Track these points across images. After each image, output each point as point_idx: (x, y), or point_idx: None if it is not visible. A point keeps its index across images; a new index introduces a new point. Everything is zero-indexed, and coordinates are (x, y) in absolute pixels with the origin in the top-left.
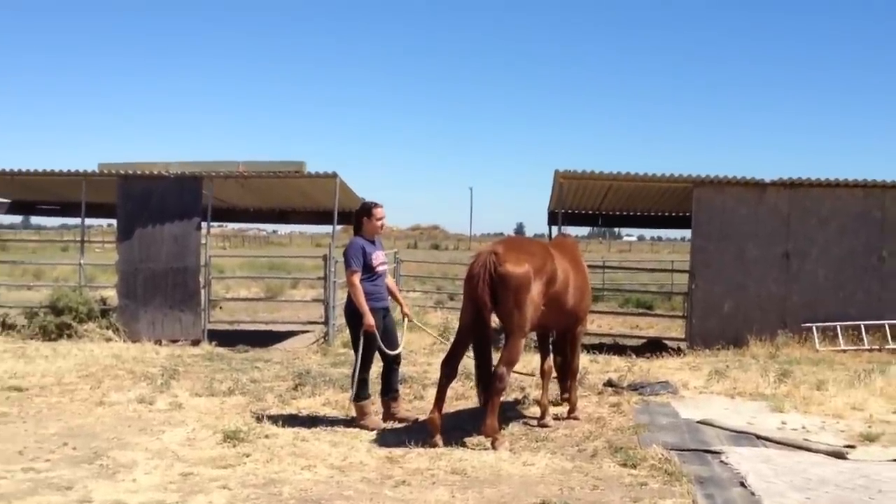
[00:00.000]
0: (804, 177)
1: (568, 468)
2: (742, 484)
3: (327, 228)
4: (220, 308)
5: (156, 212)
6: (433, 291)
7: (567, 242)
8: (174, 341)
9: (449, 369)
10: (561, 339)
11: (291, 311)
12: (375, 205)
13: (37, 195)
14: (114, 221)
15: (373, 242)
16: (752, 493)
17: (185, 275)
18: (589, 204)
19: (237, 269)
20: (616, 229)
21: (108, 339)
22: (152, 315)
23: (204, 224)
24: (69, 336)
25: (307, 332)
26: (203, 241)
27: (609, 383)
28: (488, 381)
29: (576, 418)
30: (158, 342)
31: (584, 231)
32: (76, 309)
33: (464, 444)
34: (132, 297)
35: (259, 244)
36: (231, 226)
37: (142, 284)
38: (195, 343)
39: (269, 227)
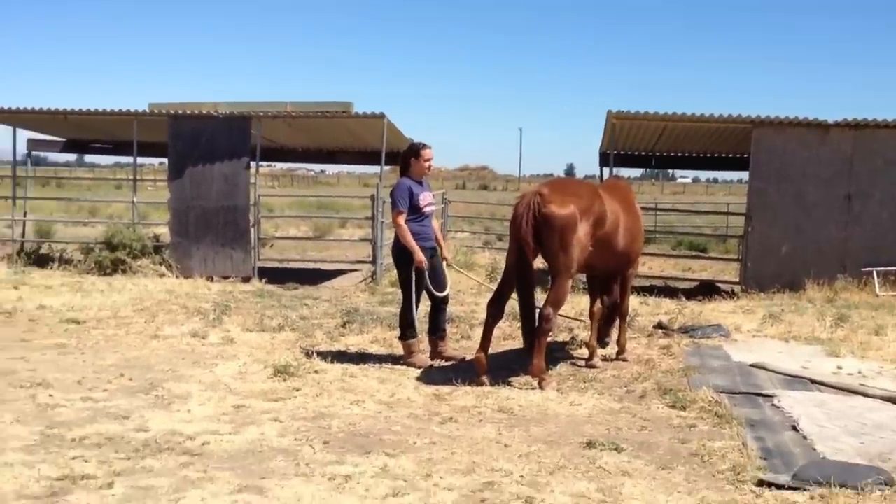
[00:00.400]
0: (869, 118)
1: (616, 409)
2: (794, 428)
3: (375, 169)
4: (271, 246)
5: (206, 151)
6: (481, 232)
7: (619, 184)
8: (225, 278)
9: (495, 309)
10: (610, 281)
11: (339, 250)
12: (423, 146)
13: (90, 134)
14: (165, 160)
15: (420, 183)
16: (805, 437)
17: (236, 213)
18: (642, 145)
19: (286, 209)
20: (670, 171)
21: (162, 275)
22: (204, 252)
23: (253, 163)
24: (123, 271)
25: (355, 270)
26: (252, 180)
27: (659, 325)
28: (531, 322)
29: (624, 360)
30: (210, 278)
31: (636, 172)
32: (130, 245)
33: (510, 384)
34: (184, 234)
35: (307, 184)
36: (280, 165)
37: (193, 222)
38: (246, 280)
39: (318, 166)
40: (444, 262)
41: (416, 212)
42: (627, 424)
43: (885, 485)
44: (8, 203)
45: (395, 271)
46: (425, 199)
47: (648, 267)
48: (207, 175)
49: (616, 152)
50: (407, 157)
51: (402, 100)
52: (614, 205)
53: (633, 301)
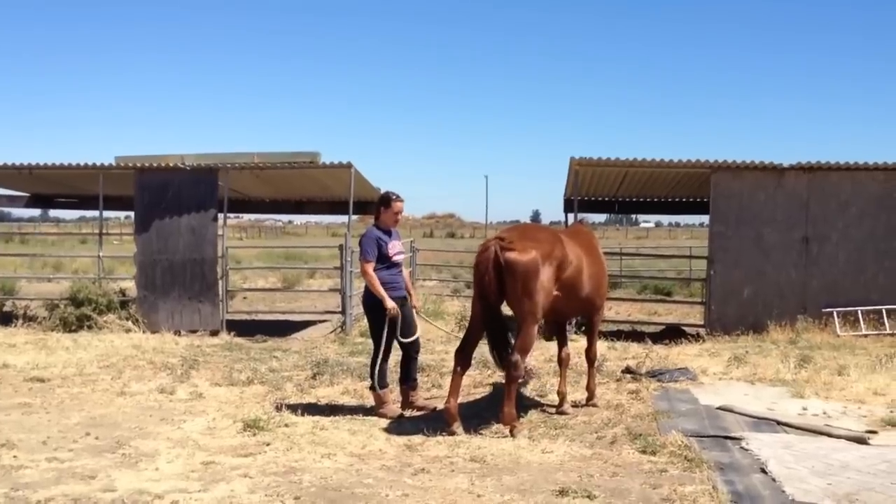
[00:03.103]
0: (823, 161)
1: (587, 455)
2: (763, 470)
3: (343, 218)
4: (245, 298)
5: (172, 204)
6: (450, 280)
7: (582, 230)
8: (193, 332)
9: (462, 359)
10: (564, 328)
11: (308, 300)
12: (395, 197)
13: (55, 188)
14: (131, 214)
15: (389, 233)
16: (774, 479)
17: (203, 266)
18: (605, 190)
19: (254, 260)
20: (633, 216)
21: (128, 331)
22: (171, 306)
23: (220, 215)
24: (89, 327)
25: (324, 321)
26: (220, 232)
27: (627, 370)
28: (503, 361)
29: (594, 405)
30: (177, 333)
31: (601, 218)
32: (96, 301)
33: (482, 433)
34: (151, 288)
35: (275, 234)
36: (247, 216)
37: (160, 276)
38: (214, 333)
39: (285, 217)
40: (414, 311)
41: (385, 261)
42: (599, 471)
43: None
44: None
45: (365, 321)
46: (394, 247)
47: (615, 311)
48: (174, 228)
49: (580, 198)
50: (378, 207)
51: (368, 149)
52: (577, 249)
53: (602, 346)
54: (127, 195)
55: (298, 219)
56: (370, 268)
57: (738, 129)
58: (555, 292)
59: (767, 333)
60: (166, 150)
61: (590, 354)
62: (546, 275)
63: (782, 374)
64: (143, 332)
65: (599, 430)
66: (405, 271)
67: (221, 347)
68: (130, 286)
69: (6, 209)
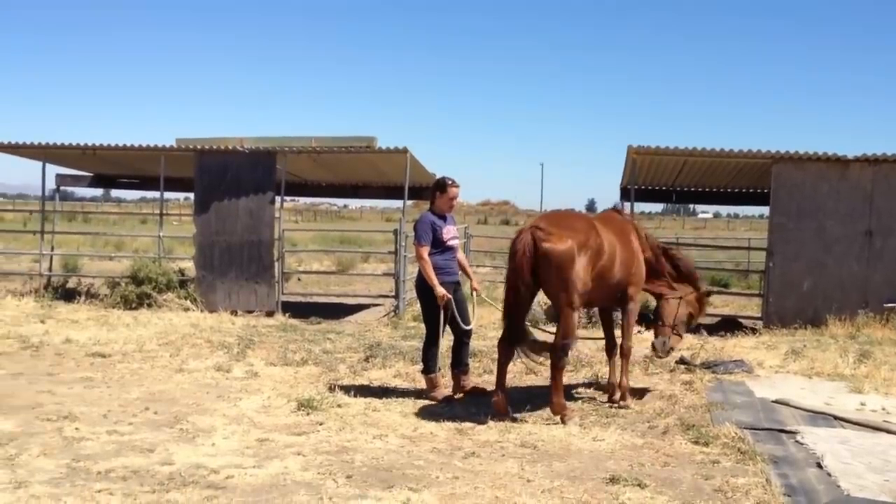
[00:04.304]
0: (889, 153)
1: (638, 444)
2: (818, 464)
3: (398, 203)
4: (299, 279)
5: (231, 186)
6: (503, 266)
7: (614, 217)
8: (249, 312)
9: (506, 348)
10: (610, 317)
11: (362, 284)
12: (450, 182)
13: (117, 169)
14: (191, 195)
15: (444, 218)
16: (829, 475)
17: (260, 248)
18: (662, 180)
19: (309, 243)
20: (691, 206)
21: (186, 309)
22: (228, 286)
23: (277, 198)
24: (149, 305)
25: (378, 305)
26: (277, 214)
27: (681, 361)
28: (531, 350)
29: (626, 406)
30: (234, 313)
31: (657, 207)
32: (156, 279)
33: (533, 419)
34: (209, 268)
35: (330, 218)
36: (303, 200)
37: (218, 257)
38: (269, 314)
39: (340, 201)
40: (475, 293)
41: (439, 245)
42: (650, 460)
43: None
44: (35, 237)
45: (418, 305)
46: (449, 232)
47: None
48: (233, 210)
49: (637, 187)
50: (433, 192)
51: (425, 135)
52: (610, 236)
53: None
54: (187, 177)
55: (353, 203)
56: (425, 252)
57: (799, 121)
58: (590, 282)
59: (826, 327)
60: (226, 133)
61: (623, 348)
62: (582, 264)
63: (841, 369)
64: (201, 311)
65: (651, 420)
66: (462, 255)
67: (276, 328)
68: (189, 266)
69: (70, 189)
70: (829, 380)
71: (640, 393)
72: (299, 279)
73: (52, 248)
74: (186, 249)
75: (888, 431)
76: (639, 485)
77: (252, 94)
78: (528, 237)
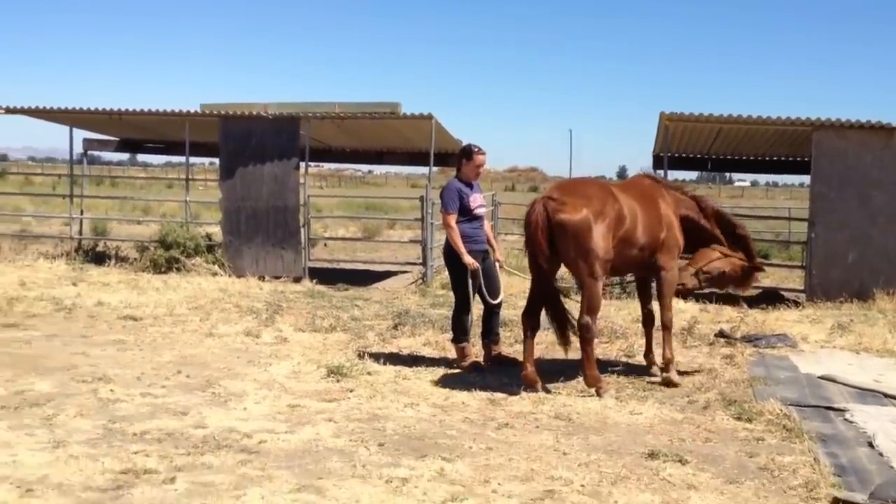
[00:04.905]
0: None
1: (678, 419)
2: (870, 444)
3: (423, 169)
4: (325, 245)
5: (256, 152)
6: None
7: (639, 181)
8: (276, 277)
9: (530, 321)
10: (646, 286)
11: (388, 251)
12: (477, 150)
13: (144, 134)
14: (216, 160)
15: (470, 185)
16: (881, 454)
17: (286, 213)
18: (697, 147)
19: (335, 209)
20: (727, 174)
21: (214, 274)
22: (255, 252)
23: (302, 164)
24: (177, 269)
25: (405, 272)
26: (301, 180)
27: (721, 334)
28: (563, 331)
29: (672, 382)
30: (262, 278)
31: (692, 175)
32: (183, 244)
33: (567, 390)
34: (235, 234)
35: (355, 184)
36: (327, 166)
37: (244, 222)
38: (296, 280)
39: (365, 167)
40: (497, 265)
41: (466, 213)
42: (691, 436)
43: None
44: (64, 202)
45: (447, 273)
46: (475, 200)
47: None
48: (258, 175)
49: (670, 154)
50: (459, 159)
51: (450, 101)
52: (630, 201)
53: (693, 308)
54: (212, 142)
55: (378, 169)
56: (452, 220)
57: (838, 90)
58: (611, 250)
59: (874, 301)
60: (251, 98)
61: (663, 319)
62: (600, 232)
63: (890, 345)
64: (229, 276)
65: (691, 395)
66: (487, 225)
67: (304, 294)
68: (216, 231)
69: (97, 153)
70: (878, 356)
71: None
72: (325, 245)
73: (82, 212)
74: (213, 214)
75: None
76: (679, 460)
77: (276, 60)
78: (540, 208)
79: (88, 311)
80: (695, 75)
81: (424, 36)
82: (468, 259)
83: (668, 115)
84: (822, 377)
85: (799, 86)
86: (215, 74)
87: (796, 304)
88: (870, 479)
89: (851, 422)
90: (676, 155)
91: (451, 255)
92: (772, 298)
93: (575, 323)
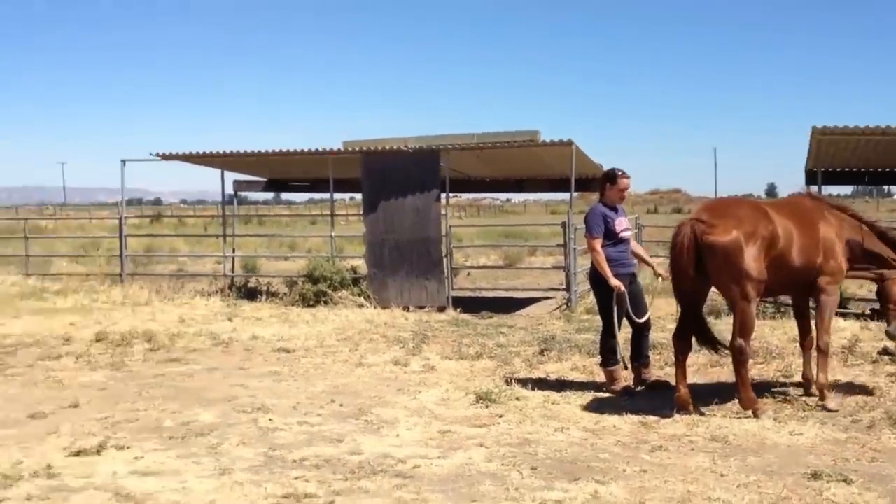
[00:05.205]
0: None
1: (841, 439)
2: None
3: (562, 195)
4: (469, 274)
5: (397, 185)
6: None
7: (798, 201)
8: (420, 308)
9: (680, 342)
10: (803, 310)
11: (530, 278)
12: (621, 173)
13: (289, 173)
14: (357, 195)
15: (615, 209)
16: None
17: (428, 244)
18: (852, 161)
19: (475, 238)
20: (885, 187)
21: (360, 306)
22: (400, 283)
23: (443, 195)
24: (325, 303)
25: (548, 298)
26: (443, 211)
27: (885, 351)
28: (715, 351)
29: (826, 407)
30: (406, 308)
31: (846, 189)
32: (330, 278)
33: (722, 412)
34: (380, 266)
35: (494, 213)
36: (465, 196)
37: (388, 254)
38: (440, 310)
39: (504, 195)
40: (660, 279)
41: (612, 237)
42: (856, 455)
43: None
44: (216, 241)
45: (591, 298)
46: (621, 224)
47: (868, 289)
48: (400, 208)
49: (823, 169)
50: (603, 183)
51: (589, 125)
52: (786, 223)
53: (854, 326)
54: (354, 178)
55: (517, 197)
56: (597, 244)
57: None
58: (764, 272)
59: None
60: (390, 134)
61: (819, 343)
62: (752, 254)
63: None
64: (374, 307)
65: (854, 414)
66: (636, 245)
67: (448, 323)
68: (359, 264)
69: (245, 193)
70: None
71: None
72: (469, 274)
73: (234, 251)
74: (355, 248)
75: None
76: (844, 480)
77: (414, 95)
78: (688, 230)
79: (244, 344)
80: (843, 86)
81: (562, 60)
82: (614, 282)
83: (820, 129)
84: None
85: None
86: (356, 112)
87: None
88: None
89: None
90: (830, 169)
91: (596, 279)
92: None
93: (727, 345)
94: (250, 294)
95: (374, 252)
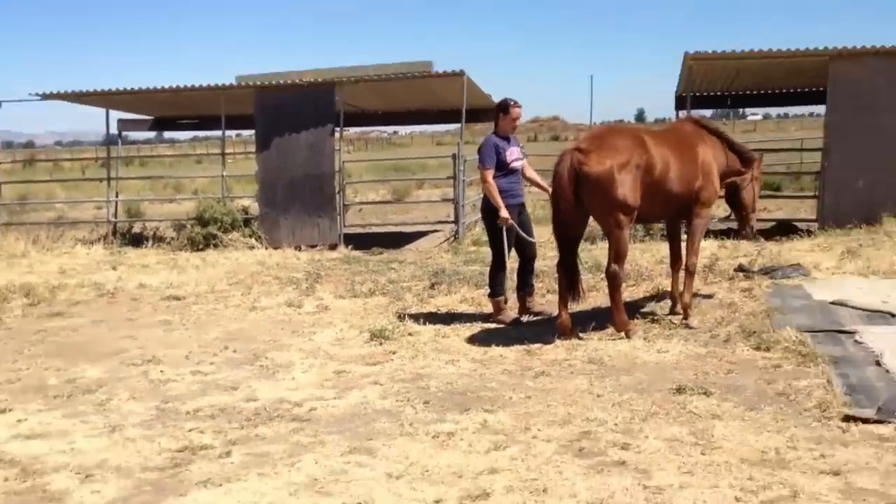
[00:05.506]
0: None
1: (702, 353)
2: (877, 362)
3: (447, 127)
4: (360, 210)
5: (292, 121)
6: None
7: (681, 127)
8: (312, 246)
9: (564, 271)
10: (675, 232)
11: (419, 211)
12: (513, 103)
13: (178, 111)
14: (244, 132)
15: (507, 140)
16: (888, 371)
17: (321, 181)
18: (717, 85)
19: (363, 173)
20: (741, 109)
21: (252, 248)
22: (292, 222)
23: (337, 130)
24: (215, 246)
25: (436, 231)
26: (336, 147)
27: (739, 268)
28: (570, 279)
29: (688, 325)
30: (298, 248)
31: (707, 112)
32: (221, 219)
33: (599, 335)
34: (272, 205)
35: (381, 146)
36: (354, 129)
37: (281, 193)
38: (332, 248)
39: (390, 128)
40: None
41: (503, 168)
42: (714, 368)
43: None
44: (95, 185)
45: (478, 230)
46: (512, 154)
47: (724, 209)
48: (294, 144)
49: (692, 94)
50: (496, 114)
51: (471, 54)
52: (664, 151)
53: (712, 245)
54: (246, 115)
55: (403, 129)
56: (489, 175)
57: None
58: (638, 199)
59: (881, 225)
60: (284, 68)
61: (687, 264)
62: (625, 183)
63: None
64: (266, 248)
65: (713, 329)
66: (534, 172)
67: (341, 261)
68: (249, 204)
69: (126, 133)
70: (886, 277)
71: (703, 300)
72: (360, 210)
73: (117, 195)
74: (244, 188)
75: None
76: (704, 393)
77: (307, 29)
78: (568, 160)
79: (131, 293)
80: (712, 15)
81: None
82: (505, 213)
83: (692, 55)
84: (833, 302)
85: (814, 13)
86: (249, 46)
87: (809, 233)
88: (877, 395)
89: (861, 343)
90: (698, 94)
91: (488, 210)
92: (785, 230)
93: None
94: (135, 240)
95: (267, 191)
